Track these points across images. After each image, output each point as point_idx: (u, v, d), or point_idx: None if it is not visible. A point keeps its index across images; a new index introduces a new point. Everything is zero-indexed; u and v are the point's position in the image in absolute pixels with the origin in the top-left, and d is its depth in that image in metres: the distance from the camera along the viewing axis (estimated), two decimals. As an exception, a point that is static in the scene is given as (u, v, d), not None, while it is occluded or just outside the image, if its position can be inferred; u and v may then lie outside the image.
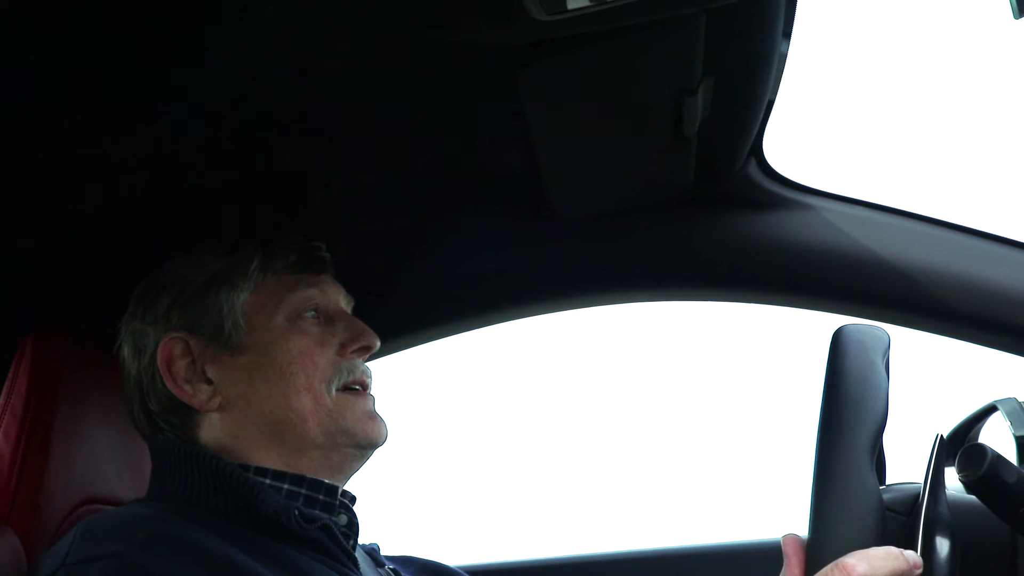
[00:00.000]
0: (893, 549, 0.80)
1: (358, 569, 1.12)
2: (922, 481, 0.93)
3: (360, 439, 1.16)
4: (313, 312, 1.21)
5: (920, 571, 0.81)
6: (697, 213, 1.47)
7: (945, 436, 0.95)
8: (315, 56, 1.06)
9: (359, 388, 1.19)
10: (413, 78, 1.12)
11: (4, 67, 0.99)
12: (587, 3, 0.90)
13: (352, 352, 1.20)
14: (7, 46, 0.96)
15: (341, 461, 1.17)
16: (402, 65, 1.09)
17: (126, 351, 1.21)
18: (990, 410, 1.36)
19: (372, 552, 1.27)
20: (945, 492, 0.93)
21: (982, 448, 0.86)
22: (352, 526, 1.16)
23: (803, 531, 0.87)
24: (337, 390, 1.16)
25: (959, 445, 1.30)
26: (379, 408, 1.21)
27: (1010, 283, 1.40)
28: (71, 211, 1.28)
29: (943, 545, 0.87)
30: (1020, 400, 1.32)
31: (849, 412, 0.85)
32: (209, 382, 1.16)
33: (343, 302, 1.26)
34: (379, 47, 1.05)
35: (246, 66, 1.05)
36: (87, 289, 1.40)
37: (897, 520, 0.90)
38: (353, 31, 1.02)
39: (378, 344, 1.23)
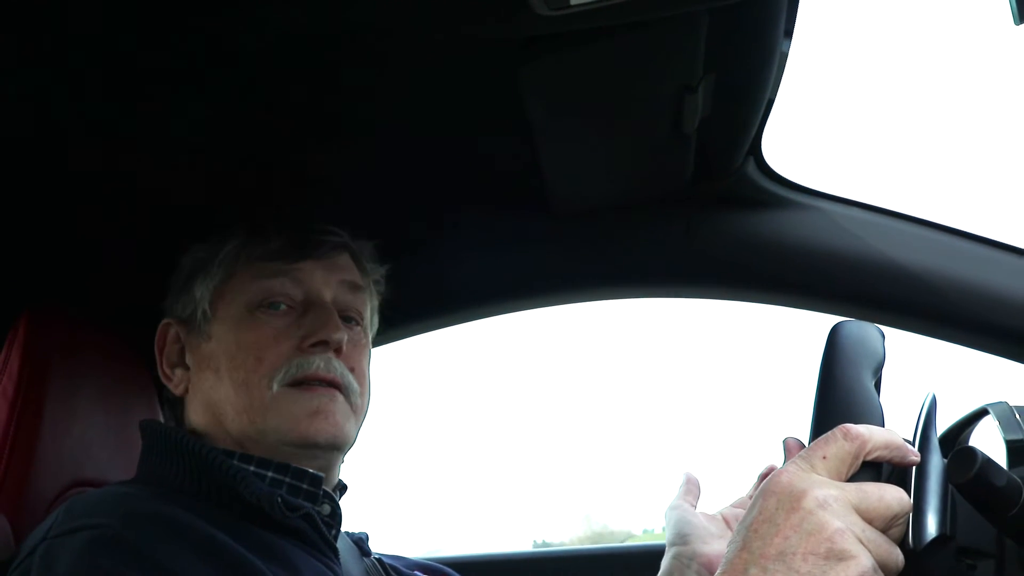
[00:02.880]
0: (893, 430, 0.81)
1: (338, 559, 1.11)
2: (913, 430, 0.94)
3: (293, 438, 1.12)
4: (282, 304, 1.17)
5: (917, 460, 0.81)
6: (694, 211, 1.47)
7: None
8: (316, 50, 1.05)
9: (311, 383, 1.14)
10: (415, 73, 1.12)
11: (5, 59, 0.99)
12: (590, -1, 0.90)
13: (309, 346, 1.15)
14: (13, 37, 0.96)
15: (289, 457, 1.13)
16: (404, 60, 1.09)
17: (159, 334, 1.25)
18: (981, 414, 1.37)
19: (359, 541, 1.26)
20: (938, 442, 0.94)
21: (972, 451, 0.86)
22: (335, 516, 1.15)
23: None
24: (281, 386, 1.13)
25: (949, 448, 1.30)
26: (339, 406, 1.14)
27: (1005, 288, 1.40)
28: (68, 194, 1.28)
29: (936, 471, 0.87)
30: (1011, 404, 1.32)
31: (851, 345, 0.90)
32: (187, 367, 1.20)
33: (330, 290, 1.20)
34: (381, 42, 1.05)
35: (247, 57, 1.05)
36: (82, 271, 1.40)
37: None
38: (355, 25, 1.01)
39: (338, 338, 1.16)
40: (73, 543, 0.94)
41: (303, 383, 1.14)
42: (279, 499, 1.06)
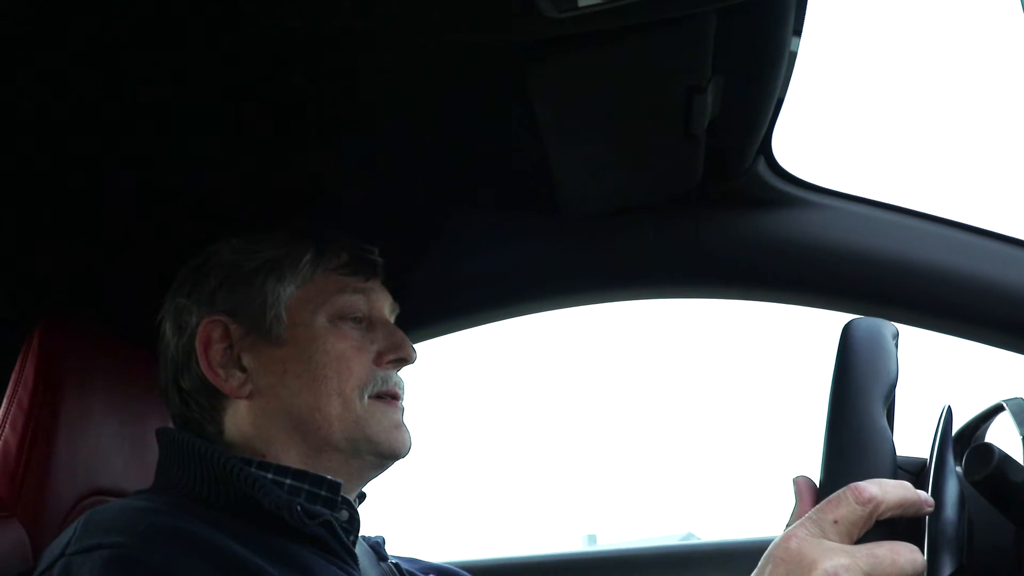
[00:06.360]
0: (906, 483, 0.80)
1: (357, 565, 1.11)
2: (929, 450, 0.93)
3: (383, 449, 1.17)
4: (355, 317, 1.21)
5: (931, 509, 0.80)
6: (705, 211, 1.47)
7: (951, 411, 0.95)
8: (325, 51, 1.06)
9: (389, 398, 1.19)
10: (424, 75, 1.12)
11: (11, 67, 1.00)
12: (598, 1, 0.90)
13: (388, 362, 1.20)
14: (17, 44, 0.96)
15: (361, 468, 1.18)
16: (412, 62, 1.09)
17: (167, 326, 1.21)
18: (997, 410, 1.36)
19: (376, 546, 1.27)
20: (953, 461, 0.93)
21: (989, 448, 0.86)
22: (353, 522, 1.16)
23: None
24: (369, 397, 1.17)
25: (966, 445, 1.29)
26: (406, 420, 1.21)
27: (1019, 283, 1.39)
28: (81, 204, 1.28)
29: (952, 499, 0.87)
30: (1028, 400, 1.31)
31: (861, 366, 0.88)
32: (243, 369, 1.17)
33: (387, 310, 1.26)
34: (389, 44, 1.05)
35: (254, 61, 1.05)
36: (96, 281, 1.41)
37: (906, 479, 0.90)
38: (364, 27, 1.02)
39: (415, 358, 1.23)
40: (91, 562, 0.95)
41: (382, 397, 1.18)
42: (298, 507, 1.06)
